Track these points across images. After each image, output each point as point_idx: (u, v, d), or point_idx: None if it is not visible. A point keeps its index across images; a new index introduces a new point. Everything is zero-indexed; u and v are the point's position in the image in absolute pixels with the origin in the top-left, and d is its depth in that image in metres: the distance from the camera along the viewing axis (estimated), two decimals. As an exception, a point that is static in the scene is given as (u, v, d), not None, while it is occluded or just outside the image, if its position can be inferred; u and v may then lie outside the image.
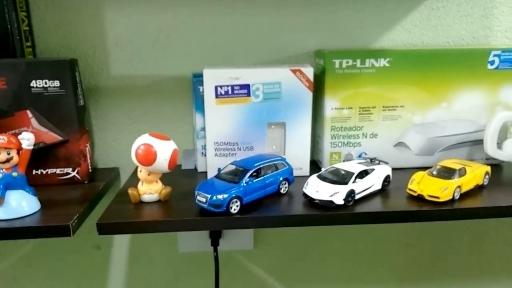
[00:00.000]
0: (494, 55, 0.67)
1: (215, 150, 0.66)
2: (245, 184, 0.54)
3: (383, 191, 0.61)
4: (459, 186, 0.56)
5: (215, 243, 0.77)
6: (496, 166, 0.69)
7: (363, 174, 0.58)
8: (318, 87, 0.69)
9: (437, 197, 0.55)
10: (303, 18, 0.73)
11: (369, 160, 0.64)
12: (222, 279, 0.82)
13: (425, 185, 0.56)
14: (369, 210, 0.55)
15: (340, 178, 0.57)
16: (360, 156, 0.70)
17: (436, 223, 0.84)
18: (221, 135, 0.65)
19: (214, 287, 0.77)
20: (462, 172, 0.58)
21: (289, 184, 0.61)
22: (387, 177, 0.61)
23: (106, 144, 0.76)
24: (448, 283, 0.89)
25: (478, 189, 0.60)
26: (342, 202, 0.54)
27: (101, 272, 0.83)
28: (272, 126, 0.65)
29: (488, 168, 0.61)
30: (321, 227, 0.82)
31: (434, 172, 0.59)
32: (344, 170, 0.58)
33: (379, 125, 0.69)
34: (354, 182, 0.56)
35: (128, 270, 0.83)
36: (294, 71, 0.63)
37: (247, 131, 0.65)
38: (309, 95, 0.64)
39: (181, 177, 0.67)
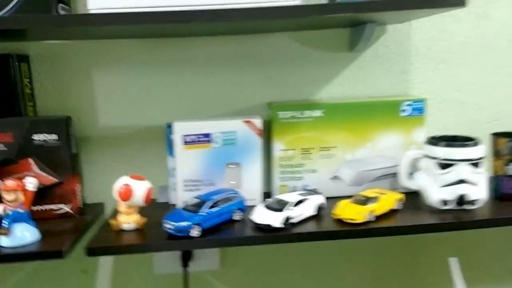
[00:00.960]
0: (407, 105, 0.84)
1: (184, 186, 0.81)
2: (204, 214, 0.69)
3: (317, 216, 0.76)
4: (372, 210, 0.72)
5: (185, 265, 0.90)
6: (414, 194, 0.85)
7: (299, 202, 0.73)
8: (269, 133, 0.85)
9: (353, 219, 0.70)
10: (258, 76, 0.90)
11: (308, 191, 0.80)
12: (194, 297, 0.95)
13: (346, 210, 0.72)
14: (302, 231, 0.70)
15: (280, 206, 0.72)
16: (303, 188, 0.86)
17: (379, 242, 0.99)
18: (188, 174, 0.80)
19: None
20: (376, 200, 0.74)
21: (242, 212, 0.75)
22: (321, 205, 0.76)
23: (94, 184, 0.90)
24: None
25: (393, 212, 0.76)
26: (280, 225, 0.69)
27: (89, 295, 0.95)
28: (230, 166, 0.81)
29: (401, 196, 0.77)
30: (279, 247, 0.96)
31: (354, 200, 0.74)
32: (284, 200, 0.73)
33: (318, 162, 0.85)
34: (290, 209, 0.71)
35: (113, 292, 0.96)
36: (246, 122, 0.79)
37: (209, 171, 0.80)
38: (258, 141, 0.80)
39: (156, 209, 0.82)
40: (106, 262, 0.95)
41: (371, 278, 1.00)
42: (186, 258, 0.92)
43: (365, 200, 0.74)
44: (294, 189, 0.85)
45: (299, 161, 0.84)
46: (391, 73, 0.92)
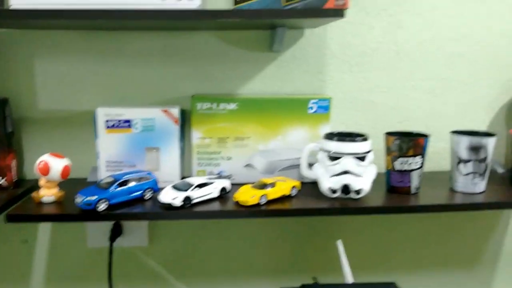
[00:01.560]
0: (313, 103, 0.93)
1: (107, 167, 0.90)
2: (112, 190, 0.78)
3: (220, 198, 0.85)
4: (264, 194, 0.81)
5: (112, 239, 1.00)
6: (314, 183, 0.93)
7: (202, 185, 0.82)
8: (189, 122, 0.94)
9: (246, 202, 0.79)
10: (185, 70, 0.99)
11: (218, 176, 0.89)
12: (120, 270, 1.04)
13: (242, 194, 0.81)
14: (199, 210, 0.79)
15: (184, 187, 0.81)
16: (219, 173, 0.95)
17: (279, 224, 1.08)
18: (110, 155, 0.89)
19: (107, 278, 0.99)
20: (272, 185, 0.83)
21: (154, 192, 0.84)
22: (224, 188, 0.85)
23: (32, 161, 0.99)
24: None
25: (286, 198, 0.85)
26: (180, 204, 0.78)
27: (28, 262, 1.04)
28: (149, 150, 0.90)
29: (297, 183, 0.86)
30: (206, 225, 1.06)
31: (254, 185, 0.83)
32: (190, 182, 0.82)
33: (233, 151, 0.94)
34: (192, 190, 0.80)
35: (49, 261, 1.05)
36: (164, 111, 0.88)
37: (130, 153, 0.89)
38: (175, 128, 0.89)
39: (82, 186, 0.91)
40: (44, 234, 1.04)
41: (274, 257, 1.10)
42: (115, 234, 1.01)
43: (262, 186, 0.83)
44: (210, 174, 0.94)
45: (215, 149, 0.93)
46: (308, 73, 1.01)
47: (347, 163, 0.82)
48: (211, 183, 0.84)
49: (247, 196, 0.80)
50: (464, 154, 0.86)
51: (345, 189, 0.82)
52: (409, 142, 0.84)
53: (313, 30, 0.98)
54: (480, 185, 0.87)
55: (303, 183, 0.94)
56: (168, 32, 0.97)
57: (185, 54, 0.98)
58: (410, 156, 0.85)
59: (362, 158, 0.83)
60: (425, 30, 1.00)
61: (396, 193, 0.88)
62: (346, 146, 0.82)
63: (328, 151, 0.83)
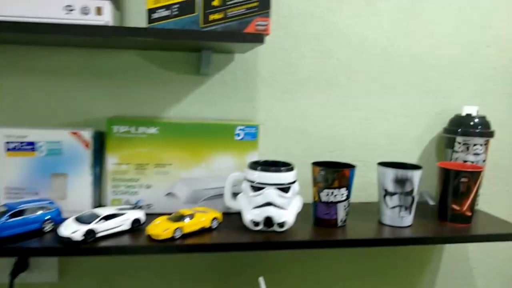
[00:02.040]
0: (240, 129, 0.89)
1: (6, 194, 0.79)
2: (3, 222, 0.68)
3: (132, 231, 0.77)
4: (179, 228, 0.74)
5: (14, 275, 0.88)
6: (239, 214, 0.88)
7: (110, 216, 0.74)
8: (104, 146, 0.87)
9: (158, 236, 0.72)
10: (106, 90, 0.92)
11: (134, 205, 0.81)
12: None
13: (155, 227, 0.74)
14: (105, 244, 0.71)
15: (88, 219, 0.72)
16: (136, 203, 0.87)
17: (202, 259, 1.02)
18: (10, 181, 0.79)
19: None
20: (190, 217, 0.76)
21: (55, 224, 0.75)
22: (137, 220, 0.78)
23: None
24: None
25: (206, 231, 0.79)
26: (80, 238, 0.70)
27: None
28: (55, 176, 0.81)
29: (218, 215, 0.80)
30: (124, 259, 0.96)
31: (171, 217, 0.77)
32: (95, 213, 0.74)
33: (153, 178, 0.87)
34: (97, 222, 0.72)
35: None
36: (73, 133, 0.80)
37: (33, 179, 0.80)
38: (86, 153, 0.81)
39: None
40: None
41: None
42: (18, 268, 0.90)
43: (179, 217, 0.76)
44: (126, 203, 0.87)
45: (133, 176, 0.86)
46: (238, 98, 0.97)
47: (270, 194, 0.77)
48: (122, 214, 0.76)
49: (160, 229, 0.73)
50: (390, 186, 0.85)
51: (268, 221, 0.78)
52: (334, 174, 0.81)
53: (243, 55, 0.96)
54: (407, 219, 0.85)
55: (228, 214, 0.88)
56: (88, 49, 0.90)
57: (107, 73, 0.91)
58: (335, 187, 0.82)
59: (285, 189, 0.78)
60: (356, 61, 1.00)
61: (323, 226, 0.84)
62: (269, 176, 0.78)
63: (251, 181, 0.79)
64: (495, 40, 1.05)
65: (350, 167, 0.86)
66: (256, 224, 0.78)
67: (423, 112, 1.05)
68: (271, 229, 0.79)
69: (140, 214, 0.78)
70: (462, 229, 0.86)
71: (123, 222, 0.76)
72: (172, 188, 0.88)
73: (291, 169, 0.80)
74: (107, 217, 0.74)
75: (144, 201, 0.87)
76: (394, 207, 0.85)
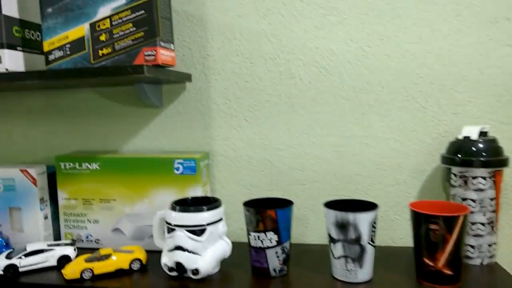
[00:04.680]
0: (178, 163, 0.83)
1: (-25, 226, 0.89)
2: None
3: (59, 267, 0.78)
4: (89, 269, 0.72)
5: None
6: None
7: (36, 252, 0.76)
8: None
9: (66, 275, 0.71)
10: (66, 127, 0.97)
11: (69, 241, 0.82)
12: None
13: (70, 266, 0.73)
14: (24, 280, 0.72)
15: (15, 253, 0.75)
16: (87, 237, 0.88)
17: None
18: (-23, 214, 0.88)
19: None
20: (106, 257, 0.73)
21: (-2, 256, 0.81)
22: (65, 256, 0.78)
23: None
24: None
25: (126, 273, 0.74)
26: (1, 272, 0.73)
27: None
28: (13, 210, 0.87)
29: (141, 255, 0.75)
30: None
31: (90, 256, 0.75)
32: (24, 248, 0.77)
33: (99, 213, 0.87)
34: (20, 257, 0.75)
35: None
36: (22, 171, 0.86)
37: (-6, 213, 0.88)
38: (34, 188, 0.86)
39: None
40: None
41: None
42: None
43: (97, 257, 0.74)
44: (77, 238, 0.88)
45: (82, 210, 0.87)
46: (193, 129, 0.92)
47: (178, 237, 0.70)
48: (49, 250, 0.78)
49: (69, 269, 0.72)
50: (332, 231, 0.69)
51: (179, 267, 0.70)
52: (257, 214, 0.70)
53: (195, 83, 0.91)
54: (358, 273, 0.68)
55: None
56: (51, 91, 0.97)
57: (68, 111, 0.96)
58: (261, 231, 0.70)
59: (197, 232, 0.70)
60: (322, 79, 0.86)
61: (256, 275, 0.72)
62: (180, 217, 0.70)
63: (167, 222, 0.72)
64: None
65: (287, 204, 0.73)
66: (170, 269, 0.71)
67: (418, 134, 0.84)
68: (187, 275, 0.71)
69: (69, 251, 0.79)
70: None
71: (48, 258, 0.77)
72: (117, 224, 0.87)
73: (212, 207, 0.71)
74: (33, 253, 0.76)
75: (93, 236, 0.88)
76: (339, 257, 0.68)
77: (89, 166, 0.86)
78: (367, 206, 0.72)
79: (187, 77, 0.87)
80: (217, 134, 0.91)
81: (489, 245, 0.74)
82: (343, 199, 0.74)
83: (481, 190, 0.72)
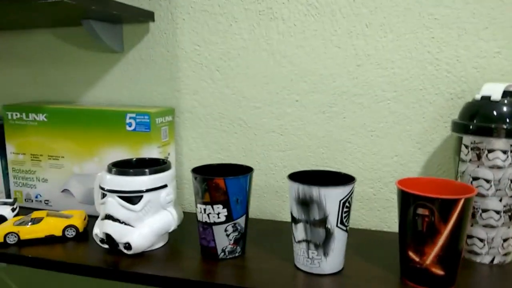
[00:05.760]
0: (130, 118, 0.70)
1: None
2: None
3: (-8, 229, 0.69)
4: (13, 233, 0.62)
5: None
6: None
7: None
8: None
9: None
10: (24, 76, 0.86)
11: (10, 201, 0.73)
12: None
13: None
14: None
15: None
16: (36, 197, 0.79)
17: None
18: None
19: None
20: (35, 222, 0.63)
21: None
22: (1, 217, 0.69)
23: None
24: None
25: (58, 240, 0.64)
26: None
27: None
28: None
29: (77, 222, 0.65)
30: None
31: (22, 219, 0.65)
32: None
33: (48, 171, 0.77)
34: None
35: None
36: (-35, 119, 0.77)
37: None
38: (-22, 140, 0.77)
39: None
40: None
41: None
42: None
43: (26, 221, 0.64)
44: (27, 198, 0.79)
45: (30, 167, 0.78)
46: (159, 80, 0.78)
47: (109, 204, 0.58)
48: (-18, 209, 0.69)
49: (-15, 231, 0.63)
50: (294, 209, 0.54)
51: (109, 239, 0.59)
52: (203, 183, 0.56)
53: (159, 24, 0.76)
54: (322, 263, 0.54)
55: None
56: (6, 32, 0.86)
57: (17, 56, 0.85)
58: (207, 203, 0.57)
59: (131, 200, 0.58)
60: (308, 21, 0.68)
61: (204, 256, 0.60)
62: (112, 181, 0.58)
63: (101, 187, 0.61)
64: None
65: (245, 172, 0.59)
66: (102, 240, 0.60)
67: (428, 93, 0.65)
68: (118, 249, 0.60)
69: (7, 211, 0.70)
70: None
71: (-22, 219, 0.69)
72: (67, 184, 0.77)
73: (154, 171, 0.59)
74: (-40, 212, 0.68)
75: (42, 196, 0.79)
76: (299, 241, 0.54)
77: (36, 117, 0.76)
78: (344, 179, 0.57)
79: (148, 15, 0.73)
80: (184, 86, 0.77)
81: (504, 240, 0.57)
82: (316, 170, 0.59)
83: (498, 167, 0.55)
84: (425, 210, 0.48)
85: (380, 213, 0.71)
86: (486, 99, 0.56)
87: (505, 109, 0.54)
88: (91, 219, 0.73)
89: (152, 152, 0.70)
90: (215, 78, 0.75)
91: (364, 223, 0.72)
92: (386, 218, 0.71)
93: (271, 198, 0.76)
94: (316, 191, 0.51)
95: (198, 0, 0.73)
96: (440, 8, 0.63)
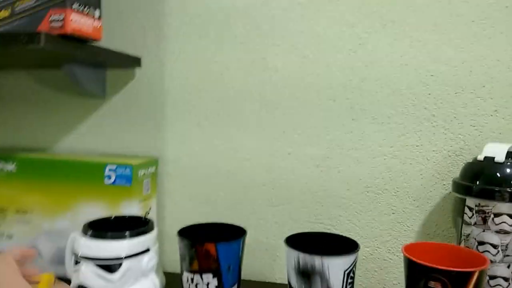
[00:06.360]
0: (110, 170, 0.65)
1: None
2: None
3: None
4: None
5: None
6: None
7: None
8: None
9: None
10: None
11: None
12: None
13: None
14: None
15: None
16: (-3, 255, 0.70)
17: None
18: None
19: None
20: None
21: None
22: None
23: None
24: None
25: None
26: None
27: None
28: None
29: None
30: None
31: None
32: None
33: (14, 227, 0.69)
34: None
35: None
36: None
37: None
38: None
39: None
40: None
41: None
42: None
43: None
44: (-13, 255, 0.71)
45: (-6, 222, 0.70)
46: (141, 127, 0.73)
47: (83, 273, 0.51)
48: None
49: None
50: (293, 279, 0.49)
51: (82, 314, 0.52)
52: (191, 249, 0.51)
53: (146, 70, 0.72)
54: None
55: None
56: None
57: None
58: (195, 271, 0.51)
59: (110, 268, 0.52)
60: (304, 71, 0.66)
61: (190, 329, 0.54)
62: (87, 246, 0.52)
63: (74, 252, 0.54)
64: None
65: (237, 233, 0.54)
66: (74, 312, 0.53)
67: (425, 150, 0.64)
68: (95, 324, 0.53)
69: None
70: None
71: None
72: (35, 242, 0.69)
73: (135, 234, 0.53)
74: None
75: (5, 255, 0.70)
76: (300, 317, 0.49)
77: (4, 166, 0.69)
78: (346, 245, 0.53)
79: (134, 61, 0.69)
80: (170, 136, 0.73)
81: (514, 311, 0.54)
82: (314, 232, 0.54)
83: (506, 232, 0.52)
84: (437, 284, 0.44)
85: (377, 274, 0.67)
86: (489, 159, 0.54)
87: (508, 171, 0.53)
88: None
89: (132, 207, 0.64)
90: (204, 127, 0.71)
91: (359, 286, 0.67)
92: (385, 280, 0.66)
93: (261, 256, 0.71)
94: (318, 261, 0.46)
95: (189, 47, 0.70)
96: (437, 65, 0.62)
